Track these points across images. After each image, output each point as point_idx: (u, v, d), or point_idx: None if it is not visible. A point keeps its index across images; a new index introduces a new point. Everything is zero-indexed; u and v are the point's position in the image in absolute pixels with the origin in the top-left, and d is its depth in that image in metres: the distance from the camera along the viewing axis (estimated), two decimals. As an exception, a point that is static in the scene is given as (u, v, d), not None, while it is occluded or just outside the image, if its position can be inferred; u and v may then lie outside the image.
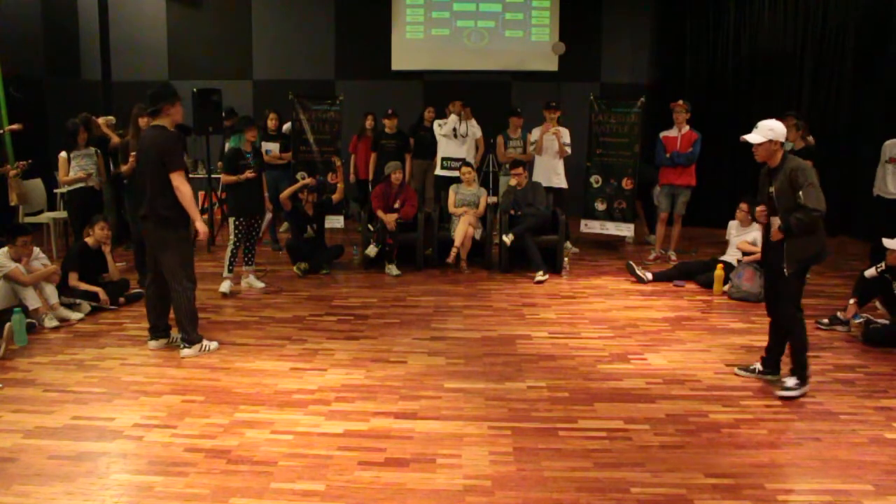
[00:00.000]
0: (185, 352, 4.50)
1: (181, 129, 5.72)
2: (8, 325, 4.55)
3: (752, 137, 3.97)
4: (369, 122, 8.64)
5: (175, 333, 4.69)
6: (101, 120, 7.50)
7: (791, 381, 4.00)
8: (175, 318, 4.59)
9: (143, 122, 6.22)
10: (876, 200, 6.68)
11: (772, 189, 3.99)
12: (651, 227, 8.96)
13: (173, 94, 4.45)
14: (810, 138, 6.94)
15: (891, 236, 4.93)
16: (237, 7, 10.46)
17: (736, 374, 4.28)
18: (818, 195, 3.80)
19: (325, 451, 3.25)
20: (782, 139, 3.94)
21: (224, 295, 5.98)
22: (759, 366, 4.27)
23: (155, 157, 4.30)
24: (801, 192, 3.81)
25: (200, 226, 4.48)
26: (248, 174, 6.03)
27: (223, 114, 8.23)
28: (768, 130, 3.92)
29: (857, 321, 5.08)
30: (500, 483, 2.98)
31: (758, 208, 4.15)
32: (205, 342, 4.59)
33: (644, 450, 3.30)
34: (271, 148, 7.81)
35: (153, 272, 4.57)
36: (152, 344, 4.64)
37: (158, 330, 4.65)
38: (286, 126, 8.23)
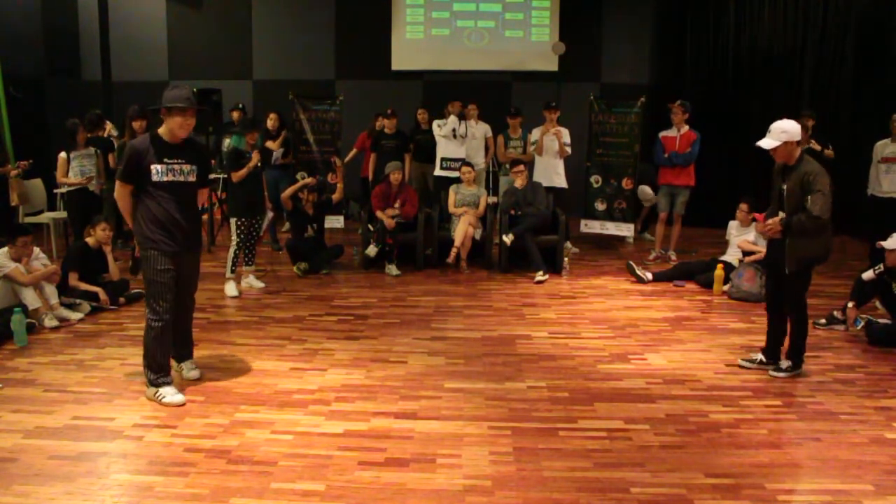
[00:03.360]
0: (147, 391, 3.86)
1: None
2: None
3: (766, 143, 4.03)
4: (379, 123, 8.57)
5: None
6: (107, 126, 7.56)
7: (786, 364, 4.25)
8: None
9: (136, 125, 6.22)
10: (870, 200, 6.72)
11: (784, 186, 4.09)
12: (644, 225, 8.97)
13: (173, 98, 3.79)
14: (829, 151, 7.00)
15: (886, 235, 4.93)
16: (237, 7, 10.46)
17: (740, 367, 4.34)
18: (825, 203, 3.88)
19: (325, 451, 3.25)
20: (797, 138, 4.00)
21: (231, 297, 5.97)
22: (762, 356, 4.38)
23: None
24: (809, 197, 3.90)
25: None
26: (255, 156, 6.01)
27: (240, 106, 8.25)
28: (781, 133, 3.98)
29: (859, 326, 5.07)
30: (500, 483, 2.98)
31: (756, 223, 4.25)
32: (162, 391, 3.77)
33: (644, 450, 3.30)
34: (276, 155, 7.82)
35: None
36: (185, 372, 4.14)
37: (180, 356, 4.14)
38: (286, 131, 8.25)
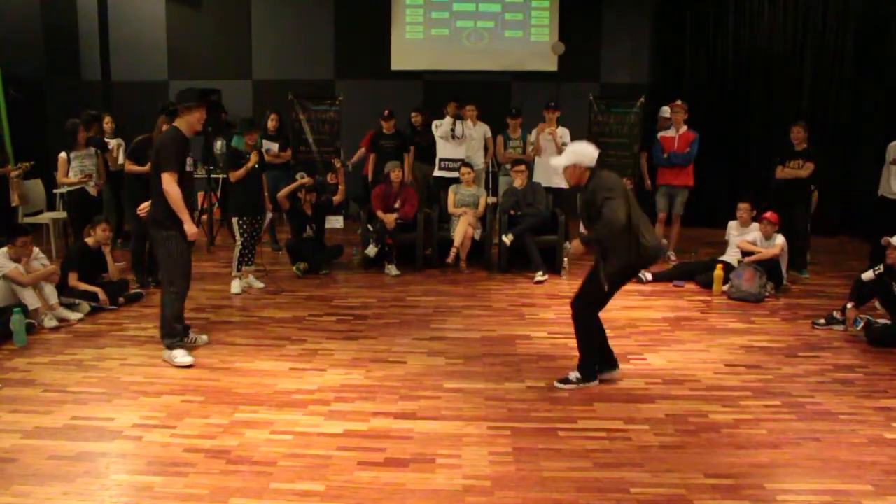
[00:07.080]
0: (164, 353, 4.42)
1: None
2: None
3: (559, 160, 4.00)
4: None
5: (194, 334, 4.74)
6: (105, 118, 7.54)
7: (573, 375, 4.07)
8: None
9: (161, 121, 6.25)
10: (880, 201, 6.68)
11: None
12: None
13: (194, 98, 4.42)
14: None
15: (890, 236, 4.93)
16: (237, 7, 10.45)
17: (556, 386, 4.09)
18: (613, 206, 3.71)
19: (324, 451, 3.25)
20: (587, 162, 3.91)
21: (236, 294, 6.02)
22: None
23: (154, 157, 4.35)
24: (602, 210, 3.76)
25: (189, 227, 4.32)
26: (253, 157, 6.07)
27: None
28: (572, 154, 3.93)
29: (858, 326, 5.06)
30: (499, 483, 2.98)
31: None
32: (175, 352, 4.35)
33: (644, 450, 3.30)
34: (271, 147, 7.81)
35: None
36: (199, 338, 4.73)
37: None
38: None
